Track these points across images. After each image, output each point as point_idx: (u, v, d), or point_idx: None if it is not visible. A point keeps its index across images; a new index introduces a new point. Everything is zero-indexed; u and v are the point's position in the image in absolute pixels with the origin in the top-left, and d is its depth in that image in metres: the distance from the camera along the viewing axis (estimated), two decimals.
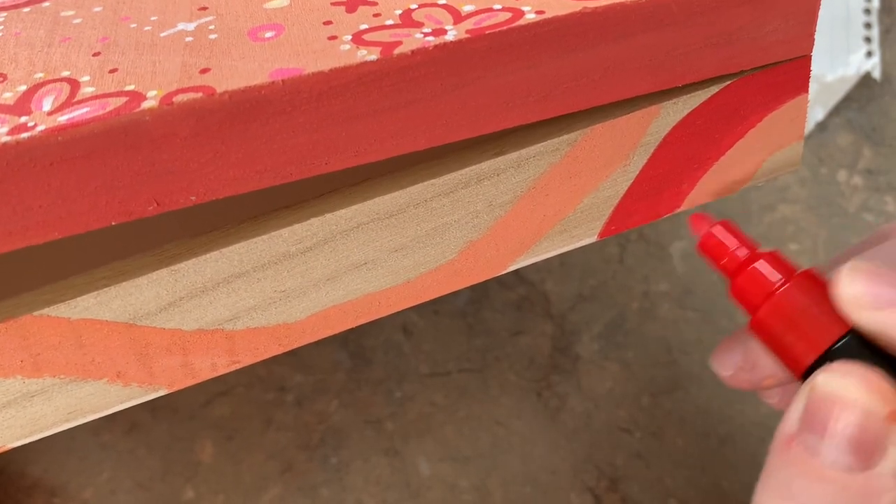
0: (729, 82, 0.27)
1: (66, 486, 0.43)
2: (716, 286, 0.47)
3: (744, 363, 0.29)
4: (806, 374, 0.24)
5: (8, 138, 0.20)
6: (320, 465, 0.44)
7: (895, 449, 0.21)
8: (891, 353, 0.23)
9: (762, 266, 0.26)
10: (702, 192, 0.29)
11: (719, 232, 0.27)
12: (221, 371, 0.25)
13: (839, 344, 0.24)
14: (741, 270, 0.26)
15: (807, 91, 0.29)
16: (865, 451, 0.21)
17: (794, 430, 0.23)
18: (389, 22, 0.24)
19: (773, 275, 0.25)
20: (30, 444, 0.25)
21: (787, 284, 0.25)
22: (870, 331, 0.23)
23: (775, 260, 0.26)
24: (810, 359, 0.24)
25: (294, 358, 0.46)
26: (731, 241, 0.27)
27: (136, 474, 0.43)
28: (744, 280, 0.26)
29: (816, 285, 0.25)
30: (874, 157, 0.49)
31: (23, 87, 0.23)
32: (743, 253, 0.26)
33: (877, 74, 0.49)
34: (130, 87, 0.22)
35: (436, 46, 0.23)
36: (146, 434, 0.44)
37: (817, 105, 0.49)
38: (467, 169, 0.25)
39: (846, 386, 0.22)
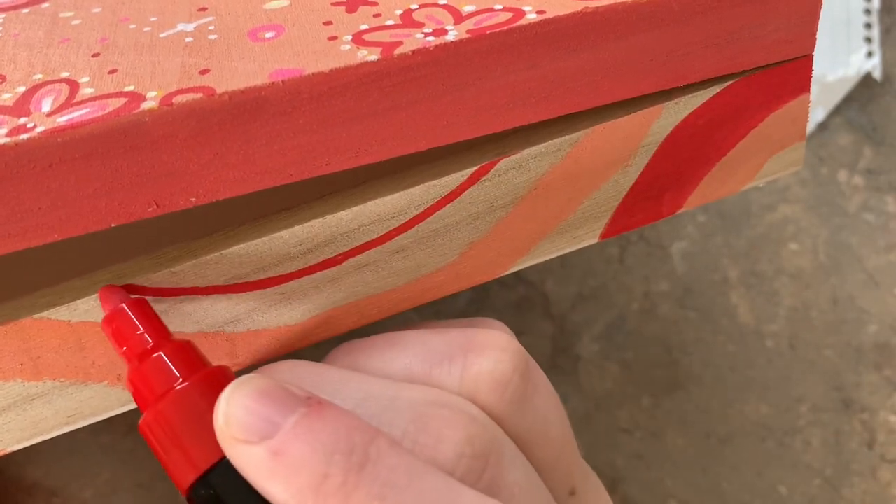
0: (730, 82, 0.27)
1: (67, 487, 0.43)
2: (716, 286, 0.47)
3: None
4: (188, 495, 0.20)
5: (7, 139, 0.20)
6: None
7: None
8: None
9: (158, 361, 0.21)
10: (703, 192, 0.29)
11: (124, 312, 0.22)
12: None
13: (210, 473, 0.20)
14: (139, 361, 0.21)
15: (808, 91, 0.28)
16: None
17: None
18: (390, 22, 0.24)
19: (170, 371, 0.21)
20: (30, 445, 0.25)
21: (183, 386, 0.21)
22: (237, 466, 0.19)
23: (183, 353, 0.21)
24: (187, 482, 0.20)
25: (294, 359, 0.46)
26: (135, 325, 0.22)
27: (137, 475, 0.43)
28: (137, 373, 0.21)
29: (219, 392, 0.20)
30: (875, 157, 0.49)
31: (22, 88, 0.22)
32: (146, 340, 0.21)
33: (877, 75, 0.49)
34: (130, 88, 0.22)
35: (437, 47, 0.22)
36: None
37: (818, 106, 0.49)
38: (468, 170, 0.25)
39: None
